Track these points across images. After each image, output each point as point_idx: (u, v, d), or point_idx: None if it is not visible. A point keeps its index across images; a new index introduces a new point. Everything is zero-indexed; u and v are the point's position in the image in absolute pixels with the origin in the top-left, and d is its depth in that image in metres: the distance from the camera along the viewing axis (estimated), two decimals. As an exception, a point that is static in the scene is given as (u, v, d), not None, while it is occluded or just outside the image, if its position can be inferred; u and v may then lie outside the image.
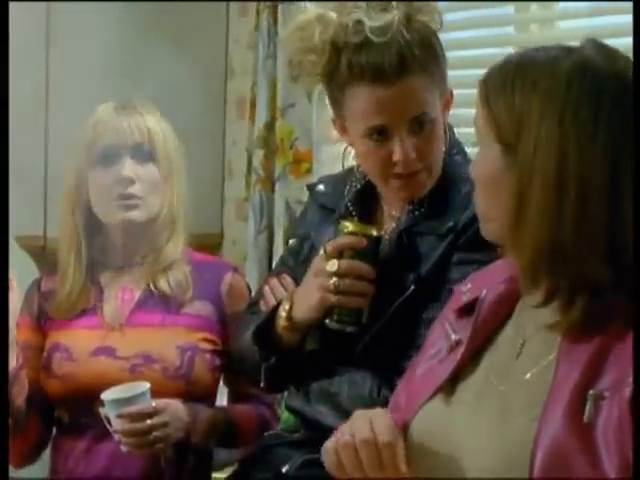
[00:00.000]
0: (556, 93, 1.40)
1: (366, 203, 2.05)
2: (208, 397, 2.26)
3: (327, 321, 1.92)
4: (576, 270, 1.37)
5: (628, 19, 2.60)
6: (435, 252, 1.91)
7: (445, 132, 1.97)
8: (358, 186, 2.06)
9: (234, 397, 2.36)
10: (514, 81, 1.43)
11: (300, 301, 1.94)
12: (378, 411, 1.48)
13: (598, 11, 2.65)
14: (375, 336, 1.92)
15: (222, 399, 2.37)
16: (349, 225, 1.92)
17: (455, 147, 2.01)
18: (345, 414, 1.84)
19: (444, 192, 1.95)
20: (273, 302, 2.03)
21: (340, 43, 1.88)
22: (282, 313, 1.96)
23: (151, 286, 2.26)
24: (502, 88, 1.44)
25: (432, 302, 1.87)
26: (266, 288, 2.08)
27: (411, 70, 1.86)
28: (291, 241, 2.18)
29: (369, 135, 1.90)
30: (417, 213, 1.95)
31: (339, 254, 1.90)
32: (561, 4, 2.83)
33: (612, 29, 2.68)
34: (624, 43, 2.61)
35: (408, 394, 1.60)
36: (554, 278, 1.40)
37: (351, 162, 2.09)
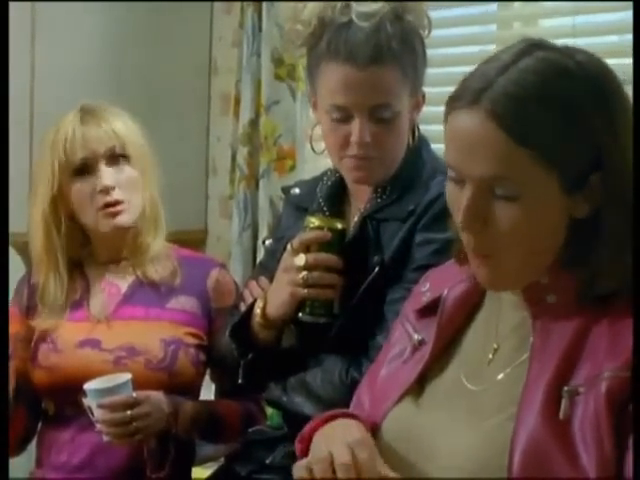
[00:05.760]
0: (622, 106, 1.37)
1: (336, 199, 2.10)
2: (191, 391, 2.27)
3: (300, 315, 1.95)
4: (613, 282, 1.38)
5: (611, 17, 2.64)
6: (397, 236, 1.95)
7: (413, 131, 2.02)
8: (329, 183, 2.12)
9: (221, 393, 2.37)
10: (567, 106, 1.33)
11: (273, 298, 1.98)
12: (357, 438, 1.41)
13: (581, 9, 2.66)
14: (344, 321, 1.96)
15: (210, 395, 2.38)
16: (314, 220, 1.96)
17: (420, 142, 2.05)
18: (319, 401, 1.92)
19: (406, 179, 1.99)
20: None
21: (326, 19, 1.94)
22: (257, 310, 2.00)
23: (140, 276, 2.28)
24: (551, 120, 1.32)
25: (396, 283, 1.92)
26: (245, 292, 2.13)
27: (384, 60, 1.89)
28: (267, 242, 2.24)
29: (332, 113, 1.94)
30: (379, 200, 2.00)
31: (306, 249, 1.94)
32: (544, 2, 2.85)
33: (595, 27, 2.70)
34: (607, 41, 2.66)
35: (373, 396, 1.59)
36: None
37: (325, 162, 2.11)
